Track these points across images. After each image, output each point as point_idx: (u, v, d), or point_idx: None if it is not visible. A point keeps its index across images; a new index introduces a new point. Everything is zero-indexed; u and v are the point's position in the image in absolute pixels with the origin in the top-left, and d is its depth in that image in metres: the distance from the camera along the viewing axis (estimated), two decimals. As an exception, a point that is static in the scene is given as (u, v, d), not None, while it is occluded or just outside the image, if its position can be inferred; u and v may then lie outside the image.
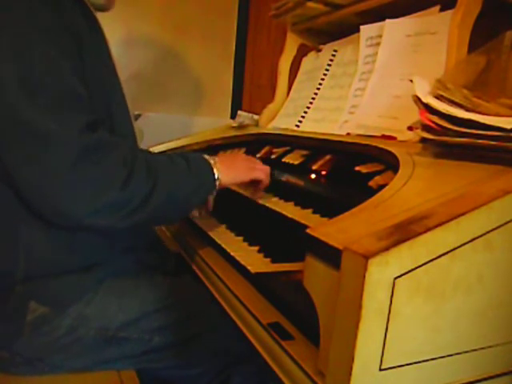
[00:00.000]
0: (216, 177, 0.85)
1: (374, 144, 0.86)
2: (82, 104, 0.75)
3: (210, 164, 0.86)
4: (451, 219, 0.46)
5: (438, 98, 0.70)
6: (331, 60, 1.34)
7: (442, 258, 0.46)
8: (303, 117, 1.34)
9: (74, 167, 0.69)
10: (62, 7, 0.77)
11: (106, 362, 0.88)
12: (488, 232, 0.48)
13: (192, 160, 0.85)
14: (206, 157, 0.88)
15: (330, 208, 0.75)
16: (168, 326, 0.90)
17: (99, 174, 0.72)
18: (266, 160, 1.17)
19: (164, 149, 1.57)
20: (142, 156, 0.80)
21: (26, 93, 0.70)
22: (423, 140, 0.72)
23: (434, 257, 0.46)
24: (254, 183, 0.95)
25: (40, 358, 0.83)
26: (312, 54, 1.48)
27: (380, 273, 0.43)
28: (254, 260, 0.80)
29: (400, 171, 0.66)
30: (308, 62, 1.49)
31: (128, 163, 0.74)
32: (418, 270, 0.45)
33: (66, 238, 0.83)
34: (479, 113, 0.65)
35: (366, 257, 0.42)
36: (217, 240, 0.94)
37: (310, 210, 0.85)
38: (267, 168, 0.96)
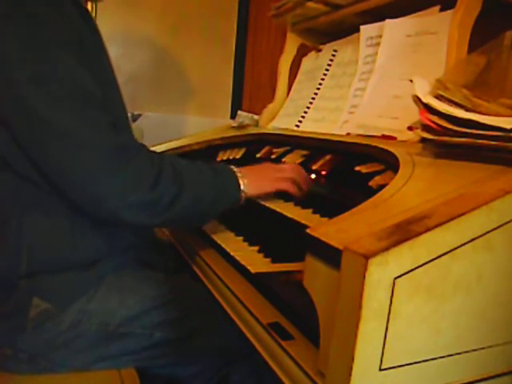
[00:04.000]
0: (242, 188, 0.86)
1: (374, 144, 0.86)
2: (102, 105, 0.78)
3: (235, 175, 0.87)
4: (451, 219, 0.46)
5: (438, 97, 0.70)
6: (331, 60, 1.34)
7: (442, 258, 0.46)
8: (303, 117, 1.34)
9: (107, 165, 0.74)
10: (66, 11, 0.79)
11: (107, 359, 0.88)
12: (488, 232, 0.48)
13: (218, 170, 0.87)
14: (234, 168, 0.89)
15: (330, 208, 0.75)
16: (168, 321, 0.90)
17: (131, 172, 0.76)
18: (265, 160, 1.17)
19: (164, 149, 1.57)
20: (168, 158, 0.83)
21: (47, 100, 0.73)
22: (423, 140, 0.72)
23: (434, 257, 0.46)
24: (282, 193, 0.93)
25: (42, 354, 0.84)
26: (312, 54, 1.48)
27: (380, 273, 0.43)
28: (254, 260, 0.80)
29: (400, 171, 0.66)
30: (308, 61, 1.49)
31: (155, 164, 0.78)
32: (418, 269, 0.45)
33: (68, 235, 0.85)
34: (479, 113, 0.65)
35: (366, 257, 0.42)
36: (217, 240, 0.94)
37: (310, 210, 0.85)
38: (296, 177, 0.92)
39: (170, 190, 0.78)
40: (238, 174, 0.87)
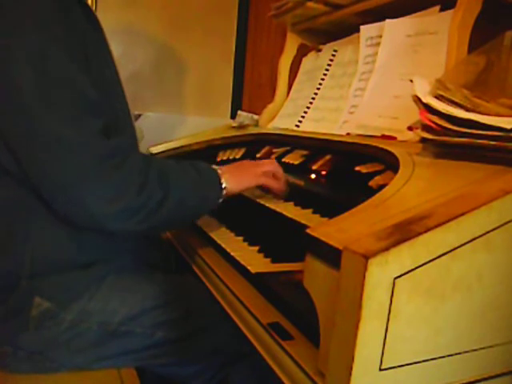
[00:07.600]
0: (223, 186, 0.87)
1: (374, 144, 0.86)
2: (96, 109, 0.77)
3: (218, 174, 0.88)
4: (451, 219, 0.46)
5: (438, 98, 0.70)
6: (331, 60, 1.34)
7: (442, 257, 0.46)
8: (303, 117, 1.34)
9: (95, 172, 0.73)
10: (71, 13, 0.78)
11: (108, 358, 0.88)
12: (488, 232, 0.48)
13: (202, 170, 0.87)
14: (214, 167, 0.90)
15: (330, 208, 0.75)
16: (169, 321, 0.90)
17: (119, 178, 0.74)
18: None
19: (164, 149, 1.57)
20: (155, 162, 0.83)
21: (42, 102, 0.71)
22: (423, 140, 0.72)
23: (434, 257, 0.46)
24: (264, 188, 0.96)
25: (43, 352, 0.84)
26: (312, 54, 1.48)
27: (380, 273, 0.43)
28: (254, 260, 0.80)
29: (400, 171, 0.66)
30: (308, 61, 1.49)
31: (143, 169, 0.77)
32: (417, 270, 0.45)
33: (71, 238, 0.85)
34: (479, 113, 0.65)
35: (366, 257, 0.42)
36: (217, 240, 0.94)
37: (309, 210, 0.85)
38: (274, 170, 0.94)
39: (156, 195, 0.77)
40: (219, 171, 0.88)
